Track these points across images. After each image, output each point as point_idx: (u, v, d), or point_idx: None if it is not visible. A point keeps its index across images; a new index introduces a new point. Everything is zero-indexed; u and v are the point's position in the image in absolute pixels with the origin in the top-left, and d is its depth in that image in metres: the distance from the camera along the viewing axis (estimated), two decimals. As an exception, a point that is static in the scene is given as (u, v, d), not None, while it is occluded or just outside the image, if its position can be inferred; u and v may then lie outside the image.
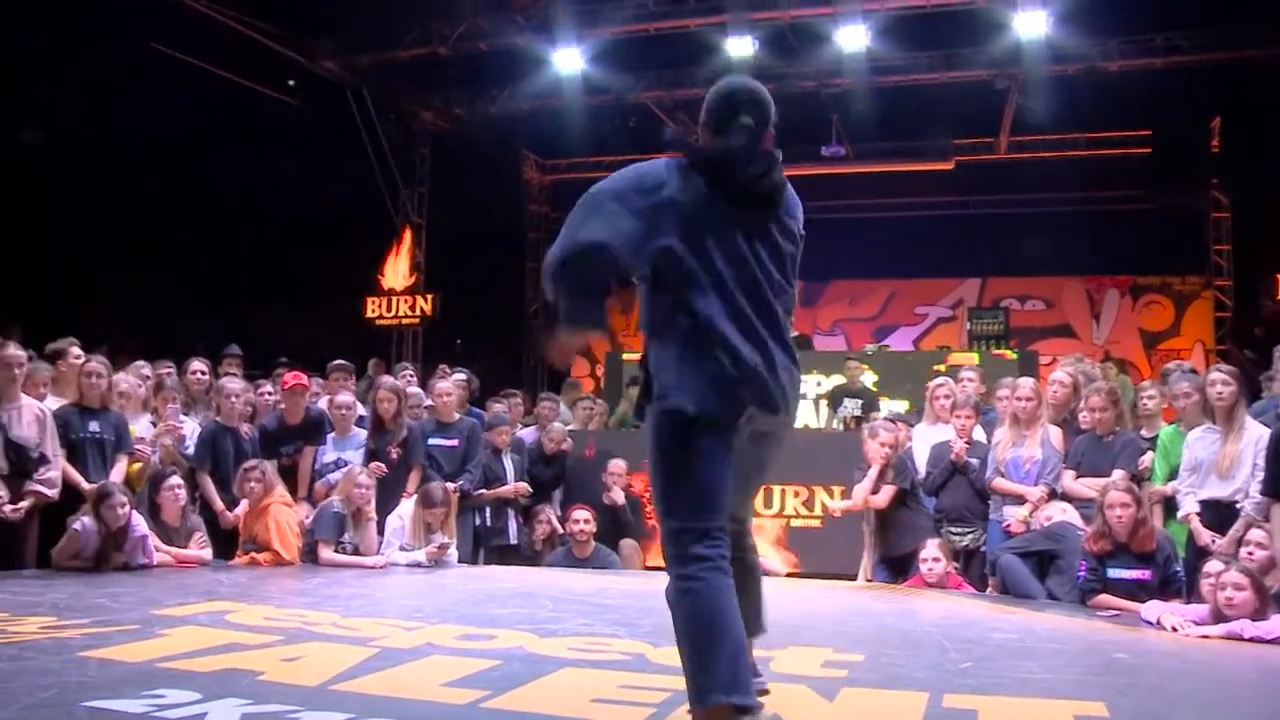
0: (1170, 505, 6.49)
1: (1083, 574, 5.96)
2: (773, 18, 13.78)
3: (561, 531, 8.19)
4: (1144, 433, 7.07)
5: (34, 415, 6.57)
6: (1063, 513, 6.58)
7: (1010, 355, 12.69)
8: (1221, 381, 6.24)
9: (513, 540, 8.30)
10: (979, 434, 7.37)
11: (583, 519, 7.74)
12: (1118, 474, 6.46)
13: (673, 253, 2.96)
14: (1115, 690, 3.72)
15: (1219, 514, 6.09)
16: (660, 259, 2.98)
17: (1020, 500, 6.84)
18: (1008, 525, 6.84)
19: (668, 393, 2.94)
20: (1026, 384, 7.17)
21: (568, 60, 14.66)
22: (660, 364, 2.99)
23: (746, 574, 3.21)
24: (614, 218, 2.95)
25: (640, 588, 6.86)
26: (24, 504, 6.42)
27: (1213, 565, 5.36)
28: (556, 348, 3.06)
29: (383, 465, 7.66)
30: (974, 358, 12.11)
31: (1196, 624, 5.16)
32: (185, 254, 15.97)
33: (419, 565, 7.15)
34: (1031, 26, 13.34)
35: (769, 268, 3.08)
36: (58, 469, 6.62)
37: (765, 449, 3.17)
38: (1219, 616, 5.12)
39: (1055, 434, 7.00)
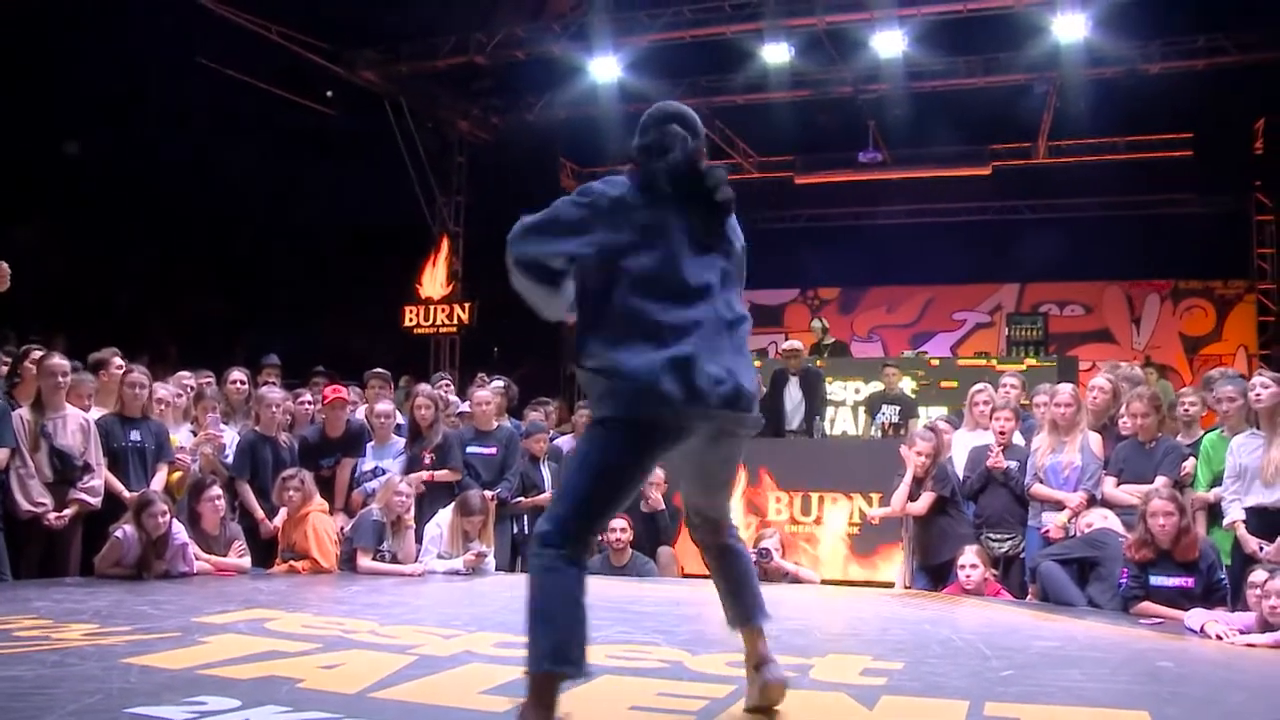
0: (1214, 512, 6.40)
1: (1124, 581, 5.88)
2: (809, 24, 13.76)
3: (598, 539, 8.19)
4: (1182, 439, 6.98)
5: (78, 424, 6.67)
6: (1103, 519, 6.50)
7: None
8: (1262, 385, 6.14)
9: (550, 548, 8.29)
10: (1018, 439, 7.30)
11: (619, 527, 7.72)
12: (1160, 481, 6.38)
13: (630, 253, 3.06)
14: (1160, 700, 3.67)
15: (1265, 520, 5.98)
16: (616, 259, 3.07)
17: (1059, 507, 6.77)
18: (1046, 531, 6.77)
19: (615, 398, 3.00)
20: (1065, 390, 7.09)
21: (604, 68, 14.71)
22: (606, 364, 3.02)
23: (734, 560, 3.43)
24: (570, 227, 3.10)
25: (677, 595, 6.84)
26: (68, 512, 6.52)
27: (1258, 574, 5.28)
28: None
29: (430, 474, 7.71)
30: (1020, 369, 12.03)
31: (1242, 632, 5.09)
32: (224, 264, 16.16)
33: (457, 573, 7.17)
34: (1070, 29, 13.24)
35: (721, 275, 3.19)
36: (101, 478, 6.71)
37: (728, 446, 3.25)
38: (1265, 625, 5.05)
39: (1095, 440, 6.92)
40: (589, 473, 3.04)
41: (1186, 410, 7.20)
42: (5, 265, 5.48)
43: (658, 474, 8.51)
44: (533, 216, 3.14)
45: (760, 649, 3.36)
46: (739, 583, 3.40)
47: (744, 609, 3.39)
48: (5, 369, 7.09)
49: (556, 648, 2.90)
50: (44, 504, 6.45)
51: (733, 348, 3.13)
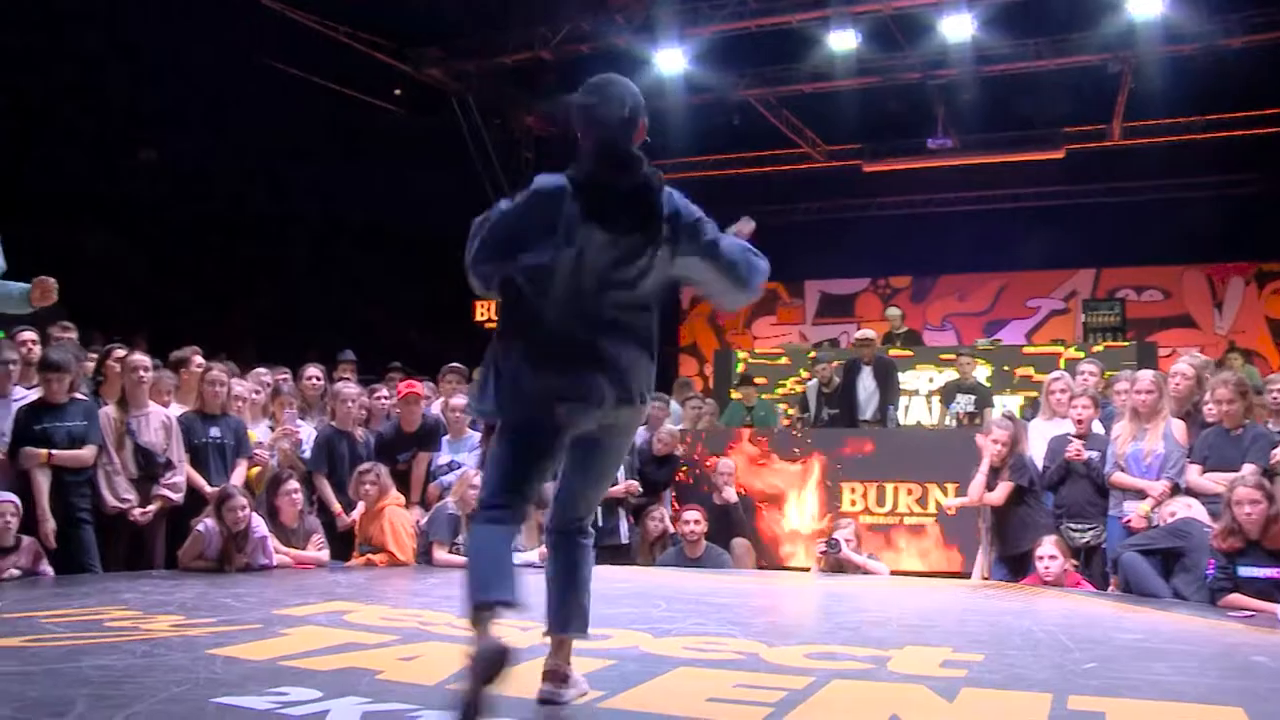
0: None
1: (1212, 572, 5.72)
2: (875, 10, 13.59)
3: (673, 531, 8.17)
4: (1272, 426, 6.78)
5: (161, 422, 6.82)
6: (1187, 508, 6.32)
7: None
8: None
9: (624, 540, 8.30)
10: (1097, 428, 7.16)
11: (693, 519, 7.70)
12: (1247, 469, 6.21)
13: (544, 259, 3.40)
14: (1255, 696, 3.55)
15: (1360, 510, 5.80)
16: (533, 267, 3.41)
17: (1141, 495, 6.62)
18: (1127, 521, 6.63)
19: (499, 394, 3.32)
20: (1146, 376, 6.93)
21: (670, 60, 14.65)
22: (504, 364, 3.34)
23: (583, 560, 3.50)
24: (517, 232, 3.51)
25: (752, 587, 6.82)
26: (152, 508, 6.68)
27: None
28: None
29: None
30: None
31: (1339, 625, 4.94)
32: (296, 262, 16.40)
33: (531, 565, 7.18)
34: (1146, 6, 12.92)
35: (619, 271, 3.34)
36: (183, 474, 6.85)
37: (607, 446, 3.46)
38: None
39: (1178, 427, 6.75)
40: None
41: (1276, 397, 6.99)
42: (52, 280, 5.62)
43: (730, 466, 8.52)
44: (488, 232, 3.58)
45: (564, 665, 3.38)
46: (571, 581, 3.47)
47: (567, 613, 3.45)
48: (91, 368, 7.26)
49: (482, 582, 3.12)
50: (129, 500, 6.62)
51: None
